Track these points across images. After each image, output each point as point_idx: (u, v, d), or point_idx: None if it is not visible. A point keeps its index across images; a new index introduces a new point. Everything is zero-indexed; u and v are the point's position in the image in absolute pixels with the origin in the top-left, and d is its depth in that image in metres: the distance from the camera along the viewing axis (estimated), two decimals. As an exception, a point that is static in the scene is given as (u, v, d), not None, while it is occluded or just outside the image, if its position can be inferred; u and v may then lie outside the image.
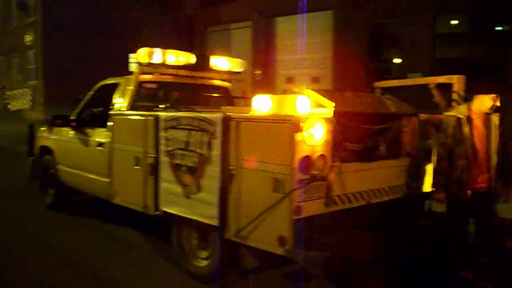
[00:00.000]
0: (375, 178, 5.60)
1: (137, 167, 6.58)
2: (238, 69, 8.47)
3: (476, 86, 5.76)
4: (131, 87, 7.33)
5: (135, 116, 6.91)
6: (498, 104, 5.57)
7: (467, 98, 5.93)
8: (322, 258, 4.74)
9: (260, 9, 20.85)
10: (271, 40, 20.77)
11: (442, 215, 6.01)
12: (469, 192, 5.57)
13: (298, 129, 4.54)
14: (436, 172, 5.74)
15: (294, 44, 19.44)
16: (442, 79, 6.52)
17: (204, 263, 5.94)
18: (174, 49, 7.67)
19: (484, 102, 5.59)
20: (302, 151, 4.59)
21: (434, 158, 5.81)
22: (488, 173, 5.66)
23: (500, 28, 16.73)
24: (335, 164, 4.94)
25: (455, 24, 18.03)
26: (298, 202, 4.63)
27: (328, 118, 4.87)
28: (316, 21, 19.52)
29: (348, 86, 14.33)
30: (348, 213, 5.23)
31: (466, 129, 5.53)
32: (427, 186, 6.14)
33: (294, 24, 19.53)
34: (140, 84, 7.50)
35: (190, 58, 7.78)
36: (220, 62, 8.22)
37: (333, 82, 18.05)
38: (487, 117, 5.64)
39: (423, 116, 6.20)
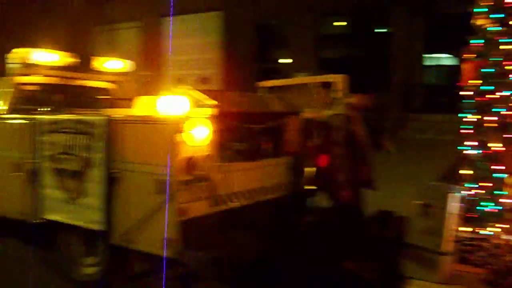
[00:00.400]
0: (260, 177, 5.67)
1: (16, 174, 6.27)
2: (125, 69, 8.29)
3: (358, 85, 6.00)
4: (8, 89, 6.98)
5: (13, 120, 6.58)
6: (374, 101, 5.85)
7: (348, 96, 6.15)
8: (209, 259, 4.73)
9: (149, 9, 20.58)
10: (160, 41, 20.56)
11: (327, 210, 6.18)
12: (359, 186, 5.82)
13: (178, 129, 4.53)
14: (336, 170, 5.88)
15: (184, 45, 19.35)
16: (324, 78, 6.69)
17: (91, 270, 5.76)
18: (57, 49, 7.37)
19: (359, 99, 5.85)
20: (184, 152, 4.59)
21: (323, 156, 5.97)
22: (367, 166, 5.95)
23: (379, 30, 17.57)
24: (219, 164, 4.96)
25: (338, 25, 18.71)
26: (183, 203, 4.62)
27: (211, 118, 4.87)
28: (205, 21, 19.57)
29: (237, 86, 14.46)
30: (235, 212, 5.26)
31: (353, 126, 5.78)
32: (311, 183, 6.29)
33: (183, 24, 19.42)
34: (17, 86, 7.14)
35: (72, 58, 7.52)
36: (105, 63, 8.01)
37: (222, 83, 18.16)
38: (362, 113, 5.90)
39: (306, 114, 6.34)
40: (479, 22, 5.92)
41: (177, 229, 4.60)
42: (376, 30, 17.98)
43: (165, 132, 4.63)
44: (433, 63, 17.16)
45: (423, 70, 16.90)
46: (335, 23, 18.78)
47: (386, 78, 15.76)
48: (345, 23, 18.60)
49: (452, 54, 15.82)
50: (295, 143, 6.18)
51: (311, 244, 6.01)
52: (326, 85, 6.70)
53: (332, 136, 5.90)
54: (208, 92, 5.31)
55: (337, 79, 6.46)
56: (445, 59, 16.91)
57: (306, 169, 6.27)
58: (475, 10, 5.96)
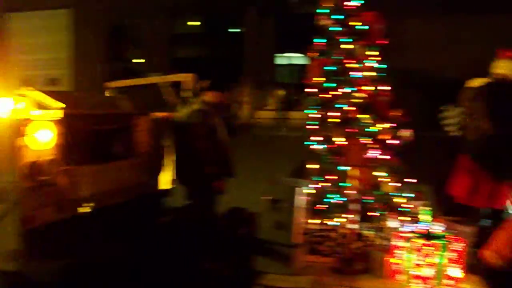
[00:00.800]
0: (111, 180, 5.52)
1: None
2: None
3: (212, 83, 6.05)
4: None
5: None
6: (223, 100, 5.95)
7: (198, 94, 6.18)
8: (58, 268, 4.53)
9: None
10: (3, 39, 19.31)
11: (183, 209, 6.16)
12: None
13: (20, 133, 4.29)
14: (203, 165, 5.84)
15: (31, 43, 18.37)
16: (173, 77, 6.71)
17: None
18: None
19: (213, 96, 5.92)
20: (27, 157, 4.35)
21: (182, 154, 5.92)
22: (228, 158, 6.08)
23: (232, 30, 17.87)
24: (66, 167, 4.76)
25: (191, 25, 18.75)
26: (27, 211, 4.38)
27: (56, 120, 4.67)
28: (53, 19, 18.69)
29: (89, 87, 13.99)
30: (85, 217, 5.08)
31: (212, 121, 5.83)
32: (165, 183, 6.25)
33: (30, 21, 18.43)
34: None
35: None
36: None
37: (73, 83, 17.46)
38: (216, 110, 5.97)
39: (157, 114, 6.29)
40: (322, 22, 6.17)
41: (21, 239, 4.35)
42: (229, 30, 18.24)
43: (5, 136, 4.36)
44: (285, 62, 17.75)
45: (275, 69, 17.42)
46: (189, 23, 18.80)
47: (239, 77, 16.04)
48: (198, 23, 18.68)
49: (301, 53, 16.43)
50: (146, 144, 6.11)
51: (166, 245, 5.96)
52: (176, 85, 6.70)
53: (194, 132, 5.89)
54: (54, 94, 5.09)
55: (187, 78, 6.49)
56: (295, 58, 17.54)
57: (163, 169, 6.22)
58: (318, 11, 6.22)
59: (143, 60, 18.02)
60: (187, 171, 6.11)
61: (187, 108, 6.06)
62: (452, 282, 4.90)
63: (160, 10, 17.21)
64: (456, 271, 4.90)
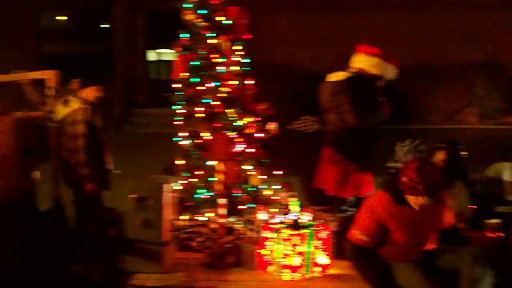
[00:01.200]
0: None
1: None
2: None
3: (82, 80, 5.82)
4: None
5: None
6: (102, 95, 5.76)
7: (71, 92, 5.93)
8: None
9: None
10: None
11: (51, 211, 5.92)
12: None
13: None
14: (78, 165, 5.57)
15: None
16: (33, 75, 6.38)
17: None
18: None
19: (90, 93, 5.71)
20: None
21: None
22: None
23: (102, 26, 17.49)
24: None
25: (59, 20, 18.17)
26: None
27: None
28: None
29: None
30: None
31: (93, 119, 5.61)
32: (31, 186, 5.95)
33: None
34: None
35: None
36: None
37: None
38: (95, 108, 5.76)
39: (20, 114, 5.95)
40: (188, 17, 6.16)
41: None
42: (99, 26, 17.84)
43: None
44: (156, 58, 17.64)
45: (146, 65, 17.25)
46: (57, 18, 18.16)
47: (109, 73, 15.73)
48: (66, 18, 18.09)
49: (172, 49, 16.42)
50: (7, 145, 5.78)
51: (30, 250, 5.70)
52: (40, 82, 6.40)
53: (74, 131, 5.62)
54: None
55: (49, 76, 6.21)
56: (166, 54, 17.49)
57: (29, 171, 5.91)
58: (184, 5, 6.19)
59: (4, 56, 17.12)
60: (62, 172, 5.87)
61: (67, 107, 5.77)
62: (320, 269, 5.08)
63: (23, 3, 16.47)
64: (323, 258, 5.09)
